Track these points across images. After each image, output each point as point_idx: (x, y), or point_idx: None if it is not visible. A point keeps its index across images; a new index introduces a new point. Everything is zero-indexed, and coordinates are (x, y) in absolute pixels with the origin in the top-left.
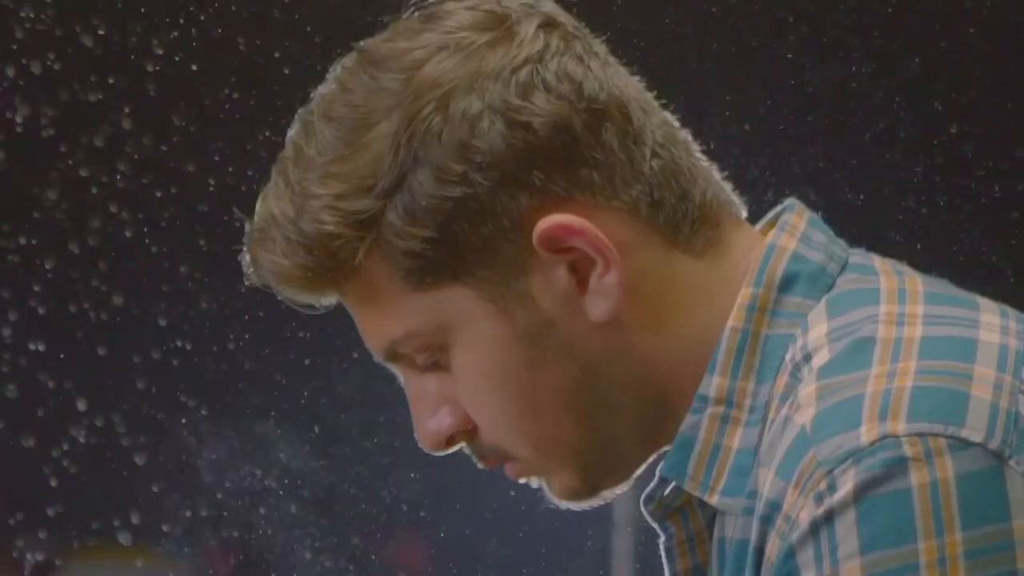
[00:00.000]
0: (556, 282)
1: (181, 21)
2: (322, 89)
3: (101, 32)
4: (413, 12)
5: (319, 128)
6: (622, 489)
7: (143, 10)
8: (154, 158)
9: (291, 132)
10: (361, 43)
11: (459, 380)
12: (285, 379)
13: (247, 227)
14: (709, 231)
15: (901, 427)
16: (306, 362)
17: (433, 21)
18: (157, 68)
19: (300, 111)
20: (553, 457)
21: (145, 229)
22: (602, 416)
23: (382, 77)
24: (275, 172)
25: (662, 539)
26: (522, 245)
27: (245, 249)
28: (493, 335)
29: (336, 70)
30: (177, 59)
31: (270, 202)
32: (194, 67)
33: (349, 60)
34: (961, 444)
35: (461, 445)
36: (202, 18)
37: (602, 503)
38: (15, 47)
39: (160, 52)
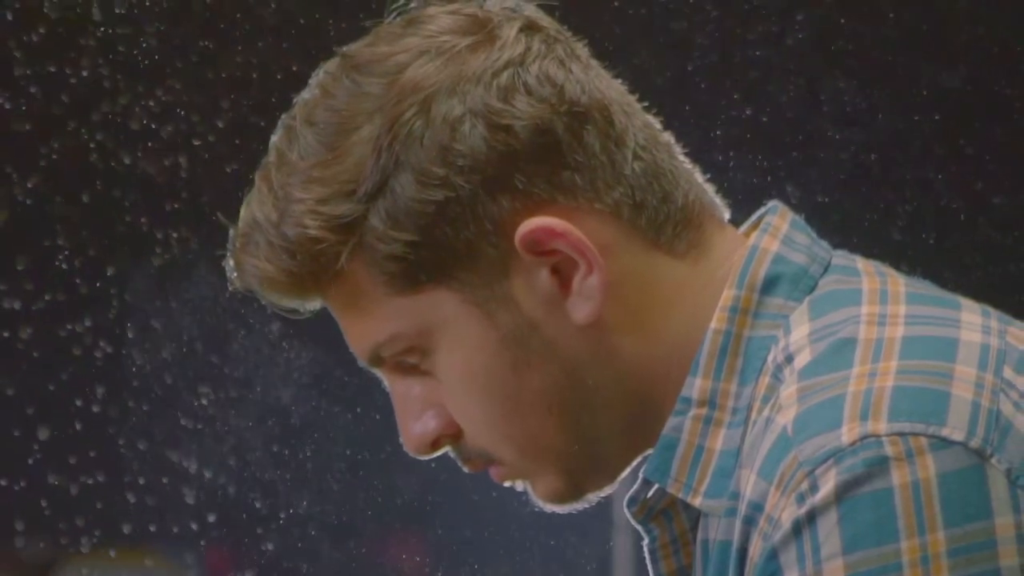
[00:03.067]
0: (539, 284)
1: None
2: (304, 94)
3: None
4: (395, 17)
5: (301, 133)
6: (607, 492)
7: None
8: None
9: (274, 138)
10: (343, 48)
11: (443, 383)
12: (285, 379)
13: (231, 233)
14: (691, 233)
15: (882, 427)
16: (305, 361)
17: (415, 25)
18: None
19: (283, 117)
20: (537, 459)
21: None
22: (586, 418)
23: (364, 81)
24: (258, 178)
25: (645, 541)
26: (504, 248)
27: (229, 254)
28: (476, 338)
29: (318, 75)
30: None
31: (253, 207)
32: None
33: (331, 65)
34: (942, 443)
35: (446, 449)
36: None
37: (587, 506)
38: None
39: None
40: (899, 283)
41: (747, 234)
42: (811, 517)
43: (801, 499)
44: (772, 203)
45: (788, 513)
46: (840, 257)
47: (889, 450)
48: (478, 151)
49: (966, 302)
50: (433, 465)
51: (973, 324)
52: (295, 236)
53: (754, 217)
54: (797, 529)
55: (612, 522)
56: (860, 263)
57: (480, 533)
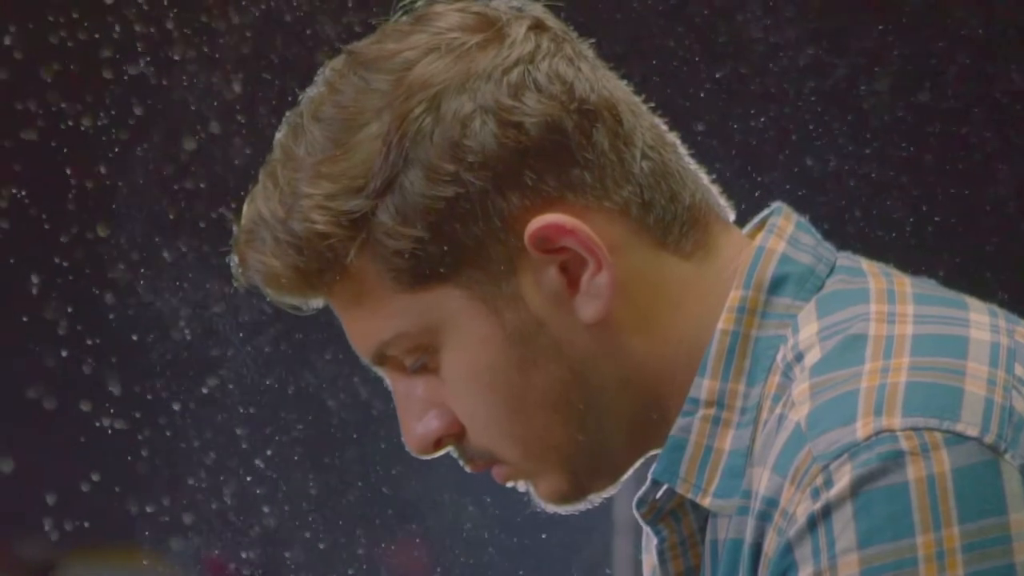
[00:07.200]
0: (547, 282)
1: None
2: (310, 91)
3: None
4: (401, 15)
5: (308, 129)
6: (610, 492)
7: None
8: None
9: (279, 135)
10: (349, 46)
11: (448, 382)
12: (285, 379)
13: (234, 229)
14: (698, 233)
15: (897, 421)
16: (305, 362)
17: (423, 23)
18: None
19: (288, 114)
20: (541, 459)
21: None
22: (591, 418)
23: (372, 78)
24: (263, 174)
25: (655, 542)
26: (513, 245)
27: (232, 250)
28: (483, 336)
29: (324, 72)
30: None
31: (258, 203)
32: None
33: (338, 62)
34: (957, 438)
35: (449, 448)
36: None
37: (590, 507)
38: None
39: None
40: (905, 283)
41: (752, 235)
42: (826, 511)
43: (816, 494)
44: (776, 204)
45: (803, 508)
46: (845, 258)
47: (904, 445)
48: (488, 147)
49: (973, 302)
50: (433, 466)
51: (981, 323)
52: (303, 231)
53: (757, 219)
54: (812, 523)
55: (612, 522)
56: (865, 264)
57: (479, 533)
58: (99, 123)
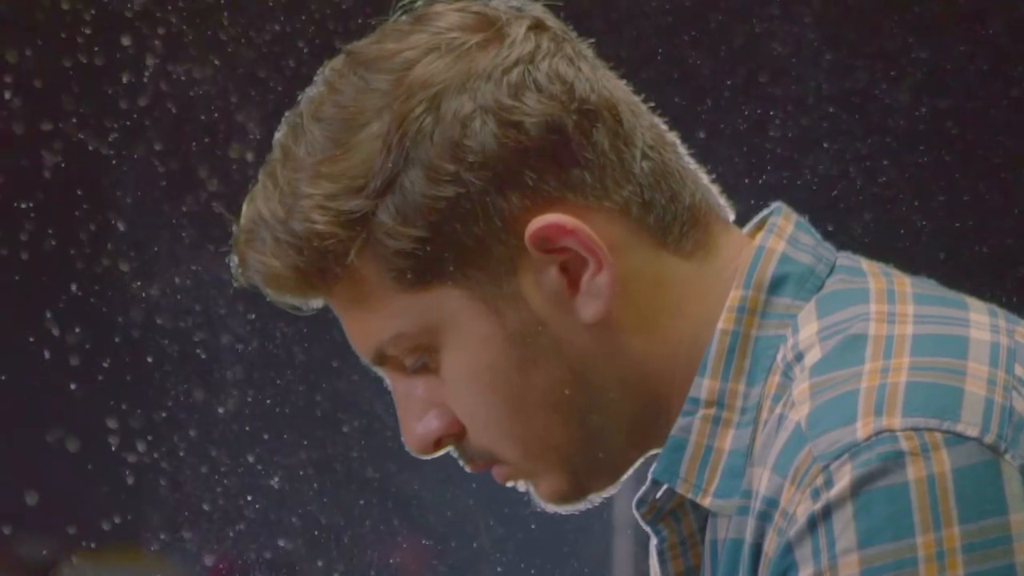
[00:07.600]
0: (547, 282)
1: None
2: (310, 91)
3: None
4: (401, 15)
5: (308, 129)
6: (610, 492)
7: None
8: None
9: (278, 135)
10: (348, 45)
11: (448, 382)
12: (285, 380)
13: (234, 229)
14: (698, 233)
15: (897, 422)
16: (306, 362)
17: (422, 23)
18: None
19: (287, 114)
20: (542, 459)
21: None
22: (592, 418)
23: (372, 78)
24: (262, 174)
25: (654, 542)
26: (513, 245)
27: (232, 250)
28: (483, 336)
29: (324, 72)
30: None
31: (258, 203)
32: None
33: (337, 62)
34: (957, 438)
35: (449, 448)
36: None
37: (590, 506)
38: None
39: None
40: (905, 283)
41: (752, 235)
42: (826, 512)
43: (816, 494)
44: (776, 204)
45: (803, 508)
46: (845, 258)
47: (904, 445)
48: (489, 147)
49: (973, 302)
50: (433, 466)
51: (981, 323)
52: (303, 232)
53: (757, 218)
54: (812, 524)
55: (612, 522)
56: (865, 264)
57: (479, 533)
58: (108, 139)
